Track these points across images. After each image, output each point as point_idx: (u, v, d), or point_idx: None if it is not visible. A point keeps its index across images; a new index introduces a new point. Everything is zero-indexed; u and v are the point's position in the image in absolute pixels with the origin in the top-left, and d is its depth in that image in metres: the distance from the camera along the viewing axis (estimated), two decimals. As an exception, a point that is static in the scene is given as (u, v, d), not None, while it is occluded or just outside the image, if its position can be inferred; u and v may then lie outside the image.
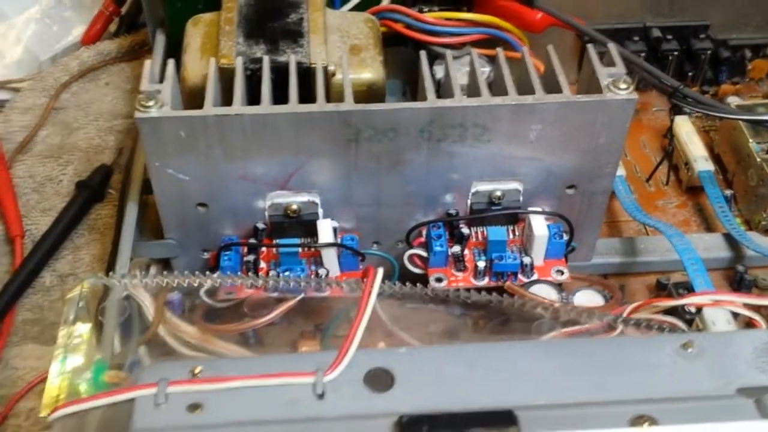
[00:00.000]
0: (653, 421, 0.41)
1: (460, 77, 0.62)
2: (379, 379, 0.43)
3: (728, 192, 0.71)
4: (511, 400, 0.41)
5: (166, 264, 0.62)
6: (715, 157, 0.75)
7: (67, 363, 0.46)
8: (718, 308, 0.54)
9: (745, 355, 0.44)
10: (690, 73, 0.81)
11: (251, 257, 0.58)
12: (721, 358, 0.44)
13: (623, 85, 0.55)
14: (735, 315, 0.55)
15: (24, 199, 0.75)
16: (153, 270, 0.62)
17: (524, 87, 0.57)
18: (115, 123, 0.82)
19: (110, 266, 0.62)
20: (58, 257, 0.70)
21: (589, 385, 0.43)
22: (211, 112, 0.53)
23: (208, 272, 0.55)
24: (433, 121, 0.54)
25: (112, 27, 0.93)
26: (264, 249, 0.58)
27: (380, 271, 0.48)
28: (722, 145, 0.75)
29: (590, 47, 0.58)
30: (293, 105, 0.54)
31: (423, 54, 0.59)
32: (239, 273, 0.58)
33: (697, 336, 0.46)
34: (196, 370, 0.43)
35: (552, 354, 0.45)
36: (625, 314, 0.54)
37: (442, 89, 0.61)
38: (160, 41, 0.74)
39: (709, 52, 0.80)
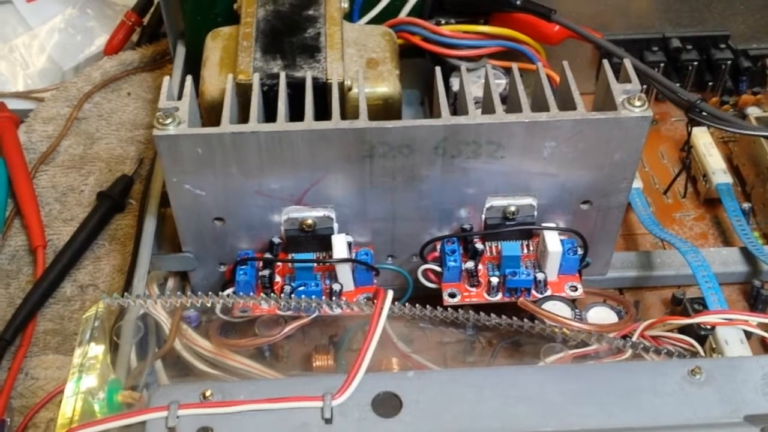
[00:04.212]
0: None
1: (475, 89, 0.62)
2: (387, 404, 0.43)
3: (746, 205, 0.70)
4: (518, 426, 0.42)
5: (183, 276, 0.63)
6: (734, 169, 0.75)
7: (82, 383, 0.46)
8: (731, 327, 0.54)
9: (754, 381, 0.44)
10: (710, 83, 0.80)
11: (266, 272, 0.58)
12: (730, 385, 0.44)
13: (638, 102, 0.54)
14: (749, 334, 0.55)
15: (46, 209, 0.76)
16: (171, 282, 0.62)
17: (539, 102, 0.57)
18: (136, 133, 0.83)
19: (129, 278, 0.62)
20: (79, 267, 0.71)
21: (597, 411, 0.43)
22: (228, 129, 0.53)
23: (221, 293, 0.55)
24: (447, 137, 0.54)
25: (135, 37, 0.94)
26: (279, 264, 0.59)
27: (390, 294, 0.49)
28: (741, 157, 0.75)
29: (605, 63, 0.57)
30: (308, 122, 0.54)
31: (438, 70, 0.59)
32: (255, 287, 0.58)
33: (706, 361, 0.46)
34: (207, 393, 0.43)
35: (560, 380, 0.45)
36: (638, 332, 0.54)
37: (458, 102, 0.61)
38: (180, 54, 0.74)
39: (729, 62, 0.79)
